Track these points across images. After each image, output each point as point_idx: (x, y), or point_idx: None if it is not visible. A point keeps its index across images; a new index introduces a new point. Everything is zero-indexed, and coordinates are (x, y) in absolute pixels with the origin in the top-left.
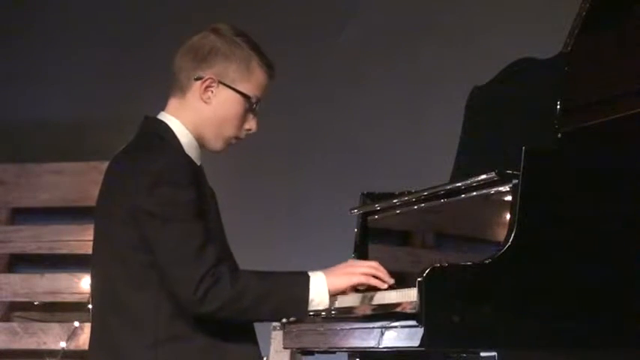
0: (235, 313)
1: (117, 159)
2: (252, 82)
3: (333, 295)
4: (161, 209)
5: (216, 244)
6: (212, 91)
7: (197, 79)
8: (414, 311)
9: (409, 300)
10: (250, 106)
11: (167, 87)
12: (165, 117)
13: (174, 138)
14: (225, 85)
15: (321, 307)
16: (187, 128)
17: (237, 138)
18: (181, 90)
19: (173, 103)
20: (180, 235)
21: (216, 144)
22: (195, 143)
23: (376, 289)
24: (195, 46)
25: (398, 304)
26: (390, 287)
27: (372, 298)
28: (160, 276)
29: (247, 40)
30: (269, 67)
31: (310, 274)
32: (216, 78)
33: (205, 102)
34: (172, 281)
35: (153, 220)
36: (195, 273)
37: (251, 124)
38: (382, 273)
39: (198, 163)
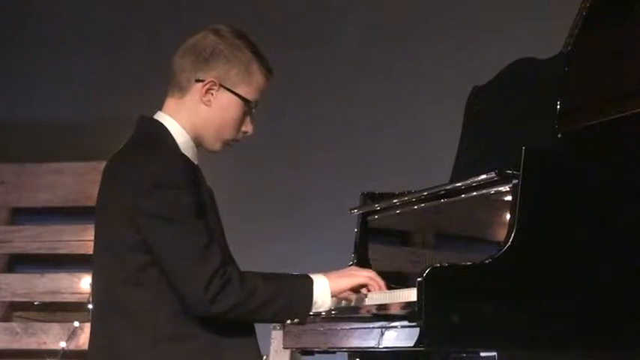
0: (243, 314)
1: (114, 160)
2: (253, 85)
3: (335, 297)
4: (162, 211)
5: (219, 244)
6: (212, 94)
7: (198, 80)
8: (413, 311)
9: (408, 300)
10: (249, 109)
11: (167, 87)
12: (161, 117)
13: (171, 138)
14: (226, 88)
15: (322, 309)
16: (184, 128)
17: (234, 140)
18: (180, 90)
19: (171, 103)
20: (184, 235)
21: (214, 145)
22: (191, 143)
23: None
24: (197, 47)
25: (397, 304)
26: (390, 288)
27: (371, 299)
28: (159, 276)
29: (248, 44)
30: (268, 70)
31: (313, 276)
32: (217, 81)
33: (205, 104)
34: (180, 282)
35: (154, 222)
36: (204, 273)
37: (248, 127)
38: (380, 282)
39: (196, 163)
